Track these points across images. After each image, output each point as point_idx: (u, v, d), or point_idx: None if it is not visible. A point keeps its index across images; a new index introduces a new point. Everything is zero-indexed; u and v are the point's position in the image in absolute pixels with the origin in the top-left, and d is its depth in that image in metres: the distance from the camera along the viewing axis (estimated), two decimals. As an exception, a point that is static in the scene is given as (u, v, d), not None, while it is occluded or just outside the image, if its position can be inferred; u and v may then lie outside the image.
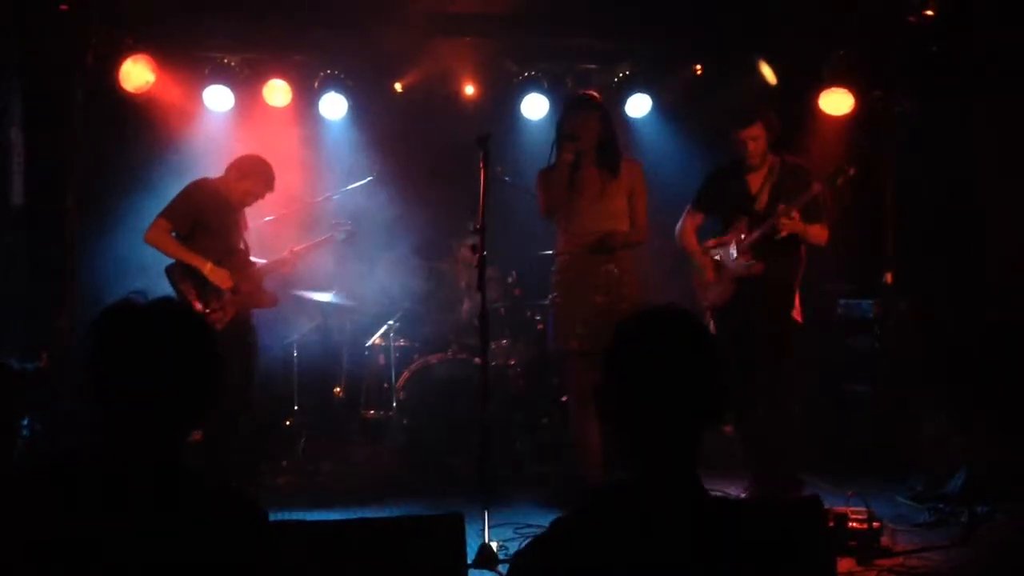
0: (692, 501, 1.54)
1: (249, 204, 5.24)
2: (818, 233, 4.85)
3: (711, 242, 5.10)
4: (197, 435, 5.29)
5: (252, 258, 5.26)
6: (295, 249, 5.41)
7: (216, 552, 1.56)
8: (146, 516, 1.54)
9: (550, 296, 4.99)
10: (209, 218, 4.98)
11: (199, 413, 1.68)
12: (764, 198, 4.89)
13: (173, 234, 4.92)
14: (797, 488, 4.83)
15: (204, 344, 1.68)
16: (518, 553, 1.58)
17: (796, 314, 4.90)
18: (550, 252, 6.01)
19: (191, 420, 1.67)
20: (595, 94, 5.11)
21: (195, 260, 4.89)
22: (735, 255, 4.92)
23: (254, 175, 5.13)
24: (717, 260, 5.03)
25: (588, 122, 4.78)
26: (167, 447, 1.63)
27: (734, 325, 4.87)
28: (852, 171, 4.76)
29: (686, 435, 1.56)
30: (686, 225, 5.18)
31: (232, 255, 5.05)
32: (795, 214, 4.73)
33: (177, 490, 1.60)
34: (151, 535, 1.52)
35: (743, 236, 4.90)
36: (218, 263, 4.95)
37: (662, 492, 1.53)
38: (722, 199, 5.06)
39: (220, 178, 5.13)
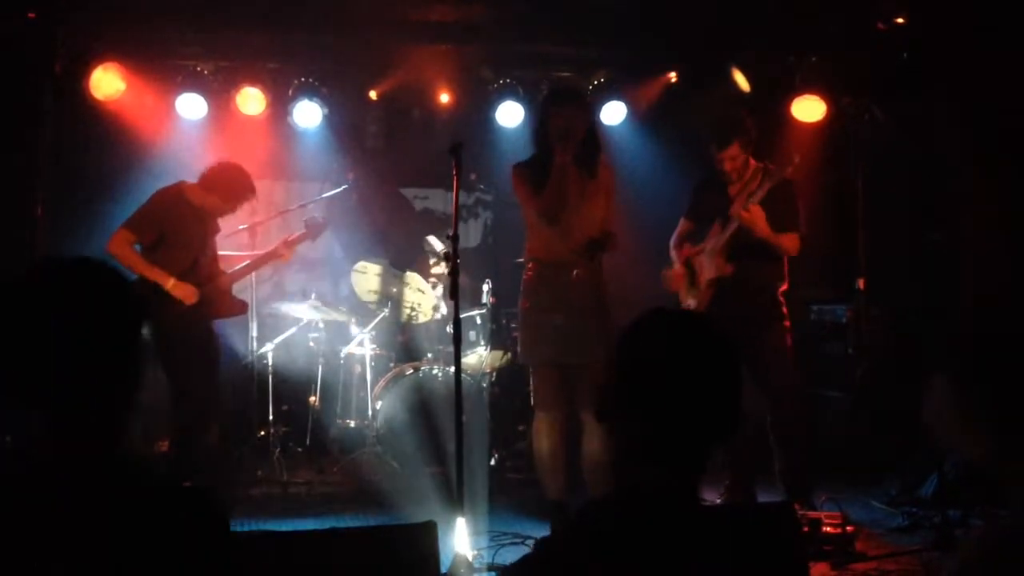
0: (693, 510, 1.52)
1: (226, 215, 5.17)
2: (786, 243, 4.82)
3: (693, 250, 5.10)
4: (164, 445, 5.26)
5: (232, 253, 5.20)
6: (286, 239, 5.36)
7: (167, 550, 1.44)
8: (85, 515, 1.41)
9: (521, 303, 4.74)
10: (174, 228, 4.87)
11: (127, 391, 1.50)
12: (741, 202, 4.89)
13: (136, 246, 4.82)
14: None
15: (116, 305, 1.49)
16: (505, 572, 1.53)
17: (784, 322, 4.90)
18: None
19: (120, 399, 1.50)
20: (578, 88, 4.98)
21: (157, 275, 4.75)
22: (710, 260, 4.94)
23: (236, 191, 5.02)
24: (697, 266, 5.04)
25: (577, 118, 4.48)
26: (103, 436, 1.48)
27: None
28: (797, 158, 4.80)
29: (698, 442, 1.52)
30: (676, 234, 5.19)
31: (198, 265, 4.98)
32: (753, 207, 4.69)
33: (120, 485, 1.46)
34: (90, 536, 1.40)
35: (716, 240, 4.93)
36: (183, 275, 4.87)
37: (666, 501, 1.50)
38: (707, 209, 5.08)
39: (194, 187, 5.04)
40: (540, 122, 4.62)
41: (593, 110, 4.65)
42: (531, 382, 4.83)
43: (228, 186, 5.03)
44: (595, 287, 4.59)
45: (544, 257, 4.62)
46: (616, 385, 1.55)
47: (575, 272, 4.53)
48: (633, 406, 1.52)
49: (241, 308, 5.24)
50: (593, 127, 4.62)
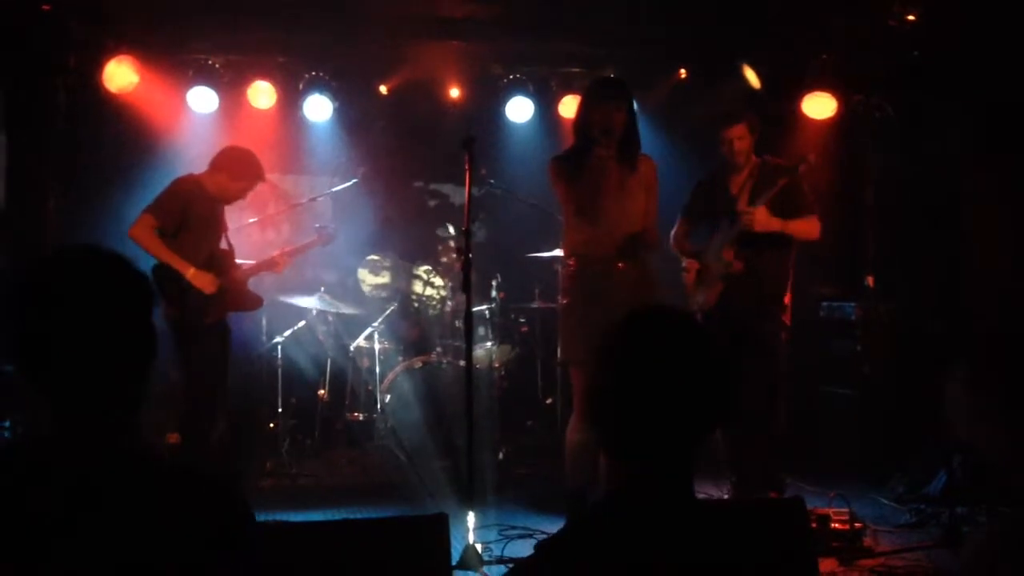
0: (685, 507, 1.53)
1: (238, 199, 5.15)
2: (803, 226, 4.82)
3: (700, 247, 5.12)
4: (173, 437, 5.28)
5: (237, 260, 5.21)
6: (285, 250, 5.36)
7: (188, 541, 1.44)
8: (100, 500, 1.42)
9: (561, 300, 4.55)
10: (194, 217, 4.84)
11: (140, 380, 1.53)
12: (744, 198, 4.91)
13: (158, 232, 4.78)
14: (779, 489, 4.86)
15: (137, 298, 1.54)
16: None
17: (785, 317, 4.91)
18: (536, 255, 6.06)
19: (133, 389, 1.53)
20: (621, 80, 4.96)
21: (178, 263, 4.72)
22: (718, 256, 4.95)
23: (243, 171, 4.98)
24: (704, 263, 5.05)
25: (619, 111, 4.30)
26: (114, 424, 1.49)
27: (720, 326, 4.86)
28: (812, 157, 4.84)
29: (686, 439, 1.53)
30: (678, 233, 5.18)
31: (216, 256, 4.98)
32: (761, 208, 4.72)
33: (134, 473, 1.47)
34: (105, 521, 1.41)
35: (723, 236, 4.94)
36: (202, 265, 4.87)
37: (656, 498, 1.51)
38: (709, 205, 5.08)
39: (205, 173, 4.98)
40: (581, 114, 4.45)
41: (633, 102, 4.46)
42: (571, 380, 4.70)
43: (235, 164, 4.97)
44: (639, 285, 4.37)
45: (584, 252, 4.41)
46: (600, 385, 1.57)
47: (619, 266, 4.33)
48: (616, 405, 1.54)
49: (257, 302, 5.24)
50: (634, 120, 4.43)
